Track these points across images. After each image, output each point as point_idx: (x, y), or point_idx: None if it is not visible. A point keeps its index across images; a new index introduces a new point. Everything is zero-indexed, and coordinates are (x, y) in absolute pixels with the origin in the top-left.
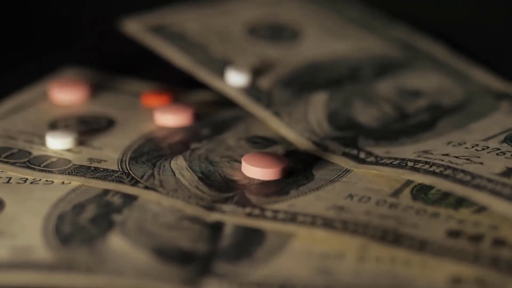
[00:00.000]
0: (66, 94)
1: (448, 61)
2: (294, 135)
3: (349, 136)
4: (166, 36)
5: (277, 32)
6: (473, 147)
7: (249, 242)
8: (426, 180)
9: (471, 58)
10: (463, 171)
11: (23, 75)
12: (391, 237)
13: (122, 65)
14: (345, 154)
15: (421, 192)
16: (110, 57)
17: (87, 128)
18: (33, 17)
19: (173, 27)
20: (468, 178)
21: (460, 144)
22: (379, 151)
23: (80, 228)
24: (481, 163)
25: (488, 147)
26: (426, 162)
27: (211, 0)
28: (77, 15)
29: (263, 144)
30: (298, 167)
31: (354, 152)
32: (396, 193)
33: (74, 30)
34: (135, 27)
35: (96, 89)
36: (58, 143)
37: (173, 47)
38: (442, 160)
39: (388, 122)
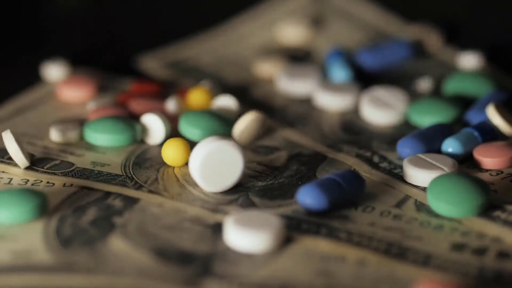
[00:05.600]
0: (74, 91)
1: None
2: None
3: (363, 139)
4: (182, 71)
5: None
6: None
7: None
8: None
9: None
10: None
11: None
12: (395, 250)
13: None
14: (358, 156)
15: (424, 203)
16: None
17: None
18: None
19: (188, 61)
20: None
21: None
22: (393, 156)
23: (80, 231)
24: None
25: None
26: None
27: (222, 23)
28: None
29: (265, 152)
30: (302, 170)
31: (368, 154)
32: (400, 203)
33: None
34: (152, 64)
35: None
36: (62, 135)
37: (190, 80)
38: None
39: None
